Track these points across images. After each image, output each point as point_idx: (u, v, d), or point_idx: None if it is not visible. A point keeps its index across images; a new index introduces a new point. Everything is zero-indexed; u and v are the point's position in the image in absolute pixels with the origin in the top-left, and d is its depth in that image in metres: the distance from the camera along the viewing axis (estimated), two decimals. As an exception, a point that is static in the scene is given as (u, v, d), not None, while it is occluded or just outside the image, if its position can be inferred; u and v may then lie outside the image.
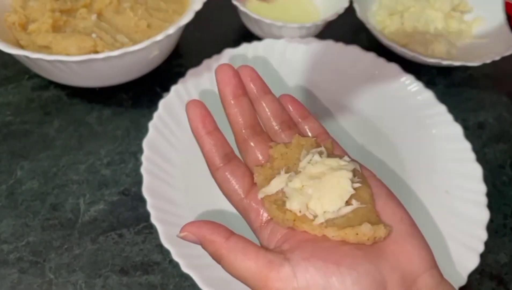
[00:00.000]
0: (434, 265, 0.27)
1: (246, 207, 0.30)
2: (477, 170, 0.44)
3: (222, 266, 0.28)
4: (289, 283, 0.25)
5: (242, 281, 0.27)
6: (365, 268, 0.25)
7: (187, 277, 0.36)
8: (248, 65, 0.33)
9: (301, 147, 0.31)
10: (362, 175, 0.29)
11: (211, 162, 0.31)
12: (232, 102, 0.32)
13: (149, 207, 0.39)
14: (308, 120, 0.33)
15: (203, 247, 0.28)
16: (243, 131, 0.32)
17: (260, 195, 0.29)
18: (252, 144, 0.31)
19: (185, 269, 0.36)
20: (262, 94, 0.33)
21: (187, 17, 0.44)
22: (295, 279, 0.25)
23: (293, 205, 0.27)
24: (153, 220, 0.38)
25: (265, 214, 0.29)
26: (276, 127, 0.32)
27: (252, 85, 0.33)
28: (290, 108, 0.34)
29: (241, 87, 0.32)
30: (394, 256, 0.26)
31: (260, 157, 0.31)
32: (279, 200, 0.28)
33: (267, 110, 0.33)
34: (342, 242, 0.26)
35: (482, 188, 0.43)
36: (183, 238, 0.28)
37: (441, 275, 0.27)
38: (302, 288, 0.25)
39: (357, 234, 0.26)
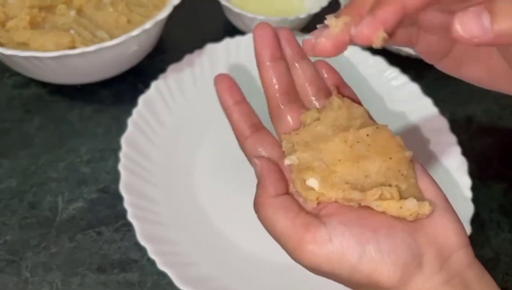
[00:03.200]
0: (468, 243, 0.26)
1: None
2: (462, 164, 0.43)
3: (258, 215, 0.27)
4: (324, 246, 0.25)
5: (274, 237, 0.27)
6: (402, 238, 0.25)
7: (165, 275, 0.36)
8: (285, 27, 0.32)
9: (337, 112, 0.28)
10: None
11: (240, 132, 0.31)
12: (269, 64, 0.30)
13: (126, 205, 0.38)
14: (344, 89, 0.32)
15: (257, 184, 0.28)
16: (278, 96, 0.30)
17: (287, 162, 0.27)
18: (285, 111, 0.30)
19: (161, 266, 0.36)
20: (298, 58, 0.31)
21: (165, 12, 0.44)
22: (331, 243, 0.24)
23: (311, 182, 0.26)
24: (130, 217, 0.38)
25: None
26: (311, 95, 0.31)
27: (288, 48, 0.31)
28: (325, 74, 0.32)
29: (279, 50, 0.31)
30: (431, 230, 0.26)
31: (293, 125, 0.30)
32: (308, 169, 0.26)
33: (302, 76, 0.31)
34: (381, 212, 0.26)
35: (467, 182, 0.42)
36: (254, 162, 0.28)
37: (473, 254, 0.26)
38: (336, 252, 0.24)
39: (401, 207, 0.25)
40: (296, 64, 0.31)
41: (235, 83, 0.31)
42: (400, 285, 0.24)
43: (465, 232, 0.26)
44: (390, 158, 0.26)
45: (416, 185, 0.27)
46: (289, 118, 0.30)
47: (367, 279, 0.24)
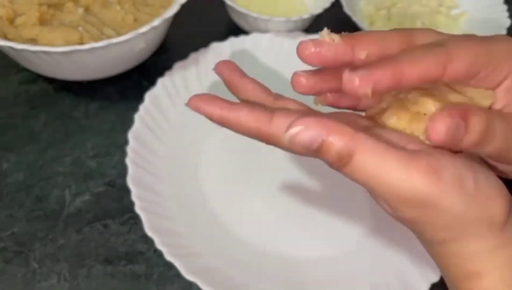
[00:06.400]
0: None
1: None
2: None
3: (349, 169, 0.23)
4: (443, 172, 0.23)
5: (377, 188, 0.23)
6: (495, 177, 0.25)
7: (171, 267, 0.36)
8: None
9: None
10: None
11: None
12: (246, 79, 0.31)
13: (134, 197, 0.39)
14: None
15: (323, 148, 0.23)
16: (269, 97, 0.30)
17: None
18: (283, 103, 0.30)
19: (168, 257, 0.36)
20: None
21: (172, 10, 0.44)
22: (448, 169, 0.23)
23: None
24: (137, 209, 0.38)
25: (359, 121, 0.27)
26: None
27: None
28: None
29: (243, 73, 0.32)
30: None
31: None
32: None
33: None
34: None
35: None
36: (296, 135, 0.22)
37: None
38: (456, 177, 0.23)
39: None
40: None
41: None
42: (506, 220, 0.24)
43: None
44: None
45: None
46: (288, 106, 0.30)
47: (482, 211, 0.23)
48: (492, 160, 0.26)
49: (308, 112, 0.28)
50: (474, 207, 0.23)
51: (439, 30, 0.59)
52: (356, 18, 0.53)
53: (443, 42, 0.24)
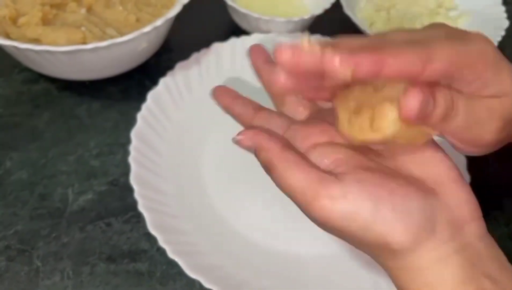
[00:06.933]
0: (480, 216, 0.26)
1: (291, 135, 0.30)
2: (461, 160, 0.45)
3: (272, 176, 0.27)
4: (338, 202, 0.24)
5: (289, 195, 0.27)
6: (417, 202, 0.25)
7: (174, 265, 0.37)
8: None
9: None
10: None
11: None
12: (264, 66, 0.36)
13: (137, 195, 0.39)
14: None
15: (257, 155, 0.28)
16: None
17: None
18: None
19: (171, 255, 0.36)
20: None
21: (175, 10, 0.45)
22: (345, 199, 0.24)
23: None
24: (141, 207, 0.39)
25: (312, 138, 0.29)
26: None
27: None
28: None
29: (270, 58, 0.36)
30: (444, 198, 0.26)
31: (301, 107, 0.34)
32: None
33: None
34: (394, 174, 0.26)
35: (466, 177, 0.44)
36: (238, 142, 0.28)
37: (486, 228, 0.26)
38: (350, 210, 0.24)
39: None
40: None
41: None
42: (410, 249, 0.24)
43: (478, 206, 0.27)
44: None
45: None
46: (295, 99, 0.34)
47: (378, 239, 0.24)
48: (456, 139, 0.27)
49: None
50: (368, 235, 0.25)
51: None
52: (356, 19, 0.54)
53: (428, 41, 0.25)
